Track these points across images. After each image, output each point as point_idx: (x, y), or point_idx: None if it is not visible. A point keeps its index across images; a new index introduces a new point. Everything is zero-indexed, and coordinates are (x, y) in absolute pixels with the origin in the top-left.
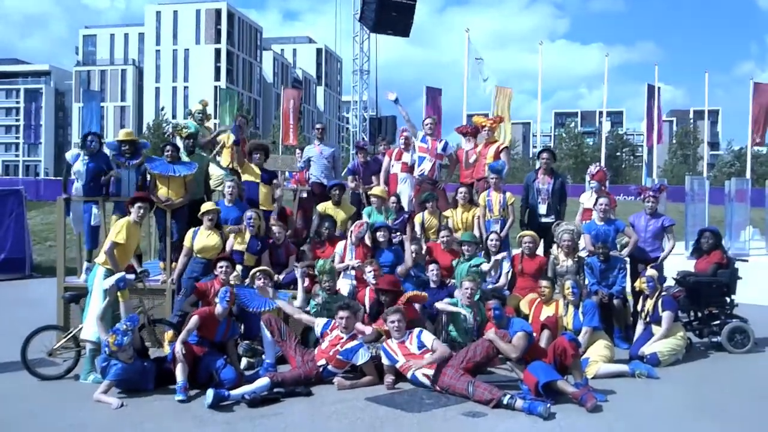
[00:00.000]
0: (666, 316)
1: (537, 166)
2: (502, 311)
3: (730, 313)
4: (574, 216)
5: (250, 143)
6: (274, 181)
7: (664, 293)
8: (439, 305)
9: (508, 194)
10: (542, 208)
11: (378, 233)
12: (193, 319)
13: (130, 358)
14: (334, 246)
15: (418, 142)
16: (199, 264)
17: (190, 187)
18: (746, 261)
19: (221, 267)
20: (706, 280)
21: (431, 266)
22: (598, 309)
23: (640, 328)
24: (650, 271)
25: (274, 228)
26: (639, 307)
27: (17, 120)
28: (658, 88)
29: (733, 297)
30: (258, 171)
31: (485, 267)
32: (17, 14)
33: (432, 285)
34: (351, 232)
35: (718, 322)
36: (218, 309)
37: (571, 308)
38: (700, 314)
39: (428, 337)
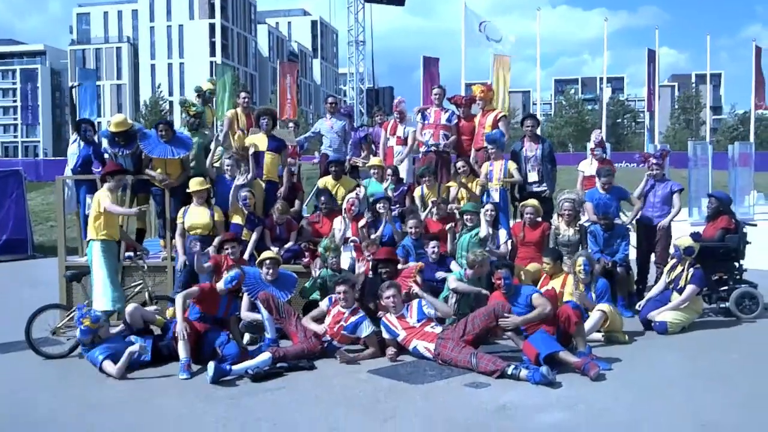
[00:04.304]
0: (690, 289)
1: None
2: (512, 280)
3: (739, 278)
4: (568, 184)
5: (257, 109)
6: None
7: (697, 267)
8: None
9: (510, 162)
10: (532, 176)
11: (378, 205)
12: (194, 289)
13: (106, 330)
14: (332, 220)
15: (419, 120)
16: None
17: (187, 164)
18: (755, 225)
19: (227, 249)
20: (714, 245)
21: (431, 243)
22: (609, 287)
23: (656, 290)
24: (679, 241)
25: (274, 208)
26: (666, 271)
27: (14, 101)
28: (658, 52)
29: (741, 262)
30: (265, 138)
31: (482, 233)
32: None
33: (431, 261)
34: (344, 209)
35: (726, 287)
36: (220, 285)
37: (581, 286)
38: (708, 280)
39: (428, 308)
